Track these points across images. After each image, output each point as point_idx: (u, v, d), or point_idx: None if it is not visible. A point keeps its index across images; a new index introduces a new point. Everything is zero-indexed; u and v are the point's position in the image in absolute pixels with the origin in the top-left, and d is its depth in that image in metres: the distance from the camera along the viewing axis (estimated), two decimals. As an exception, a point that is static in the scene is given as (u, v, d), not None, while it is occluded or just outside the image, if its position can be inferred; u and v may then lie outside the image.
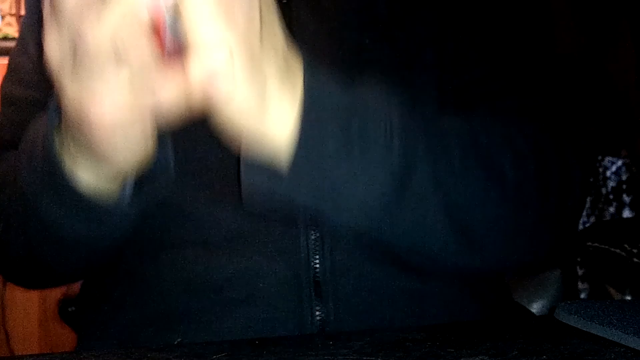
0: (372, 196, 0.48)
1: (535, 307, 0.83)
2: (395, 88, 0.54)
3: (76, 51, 0.41)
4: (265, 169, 0.46)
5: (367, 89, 0.49)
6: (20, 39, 0.70)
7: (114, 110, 0.42)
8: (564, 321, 0.45)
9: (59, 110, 0.47)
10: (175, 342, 0.56)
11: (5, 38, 1.95)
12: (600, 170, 1.47)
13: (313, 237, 0.56)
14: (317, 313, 0.56)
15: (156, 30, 0.41)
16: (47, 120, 0.49)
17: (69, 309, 0.77)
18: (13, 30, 1.98)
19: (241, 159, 0.46)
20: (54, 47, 0.43)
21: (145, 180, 0.50)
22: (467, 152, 0.52)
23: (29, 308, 1.85)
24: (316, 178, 0.46)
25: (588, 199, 1.41)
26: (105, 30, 0.40)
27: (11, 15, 1.99)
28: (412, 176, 0.48)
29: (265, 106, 0.44)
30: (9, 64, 0.71)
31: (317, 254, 0.56)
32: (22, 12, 1.99)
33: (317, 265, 0.56)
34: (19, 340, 1.85)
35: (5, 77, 0.70)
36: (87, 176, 0.49)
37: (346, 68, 0.58)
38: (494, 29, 0.61)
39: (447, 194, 0.50)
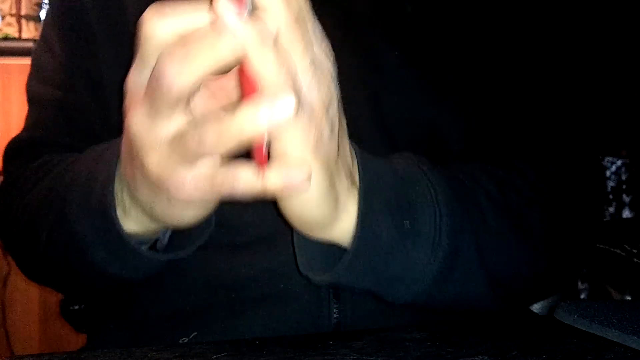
0: (423, 280, 0.49)
1: (536, 307, 0.83)
2: (419, 109, 0.57)
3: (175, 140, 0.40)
4: (321, 255, 0.48)
5: (410, 164, 0.51)
6: (43, 38, 0.69)
7: (193, 190, 0.42)
8: (564, 321, 0.45)
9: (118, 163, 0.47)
10: (191, 337, 0.57)
11: (6, 38, 1.95)
12: (600, 170, 1.47)
13: None
14: (335, 314, 0.56)
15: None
16: (107, 170, 0.49)
17: (71, 308, 0.77)
18: (13, 30, 1.98)
19: (295, 239, 0.49)
20: (144, 124, 0.41)
21: (185, 237, 0.52)
22: (501, 218, 0.54)
23: (29, 308, 1.85)
24: (370, 269, 0.48)
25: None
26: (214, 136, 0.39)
27: (11, 15, 1.99)
28: (459, 255, 0.50)
29: (334, 207, 0.45)
30: (33, 63, 0.70)
31: None
32: (22, 12, 1.99)
33: None
34: (19, 340, 1.85)
35: (30, 76, 0.70)
36: (133, 226, 0.49)
37: (369, 78, 0.59)
38: (523, 56, 0.62)
39: (488, 260, 0.52)
